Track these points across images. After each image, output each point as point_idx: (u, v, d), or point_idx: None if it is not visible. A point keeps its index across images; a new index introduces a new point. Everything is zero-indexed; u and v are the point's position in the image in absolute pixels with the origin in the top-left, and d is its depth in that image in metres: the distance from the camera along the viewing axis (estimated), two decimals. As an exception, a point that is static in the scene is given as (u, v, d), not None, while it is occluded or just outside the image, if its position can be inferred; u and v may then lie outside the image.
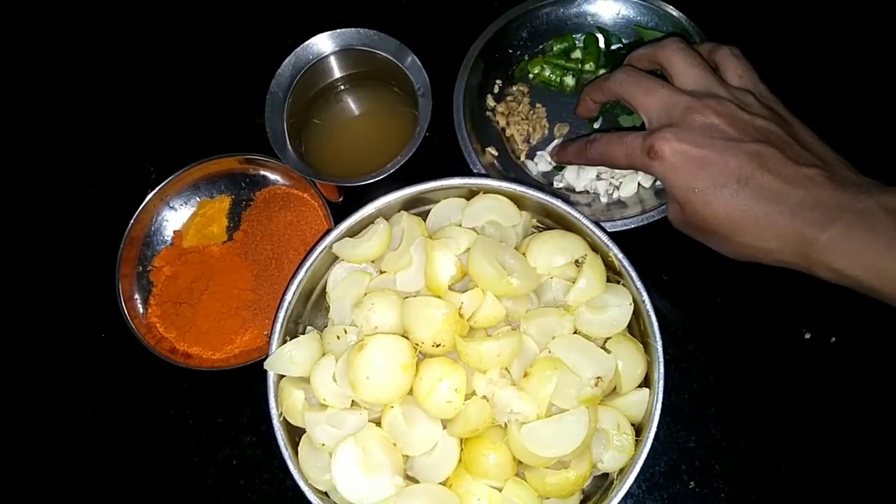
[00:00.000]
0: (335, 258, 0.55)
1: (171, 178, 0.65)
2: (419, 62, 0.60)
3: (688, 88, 0.50)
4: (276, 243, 0.64)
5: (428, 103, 0.59)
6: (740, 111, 0.48)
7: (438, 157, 0.66)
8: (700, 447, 0.58)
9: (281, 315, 0.52)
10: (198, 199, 0.67)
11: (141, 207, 0.64)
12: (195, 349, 0.62)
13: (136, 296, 0.64)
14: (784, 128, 0.48)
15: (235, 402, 0.63)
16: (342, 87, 0.67)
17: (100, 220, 0.69)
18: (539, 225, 0.57)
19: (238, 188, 0.68)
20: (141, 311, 0.63)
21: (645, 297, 0.50)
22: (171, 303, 0.63)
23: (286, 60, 0.62)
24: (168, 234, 0.67)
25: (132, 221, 0.64)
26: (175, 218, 0.67)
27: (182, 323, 0.62)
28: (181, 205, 0.67)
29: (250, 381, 0.62)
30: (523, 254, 0.52)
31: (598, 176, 0.64)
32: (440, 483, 0.49)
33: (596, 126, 0.67)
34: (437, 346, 0.49)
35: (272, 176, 0.67)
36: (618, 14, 0.68)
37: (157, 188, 0.65)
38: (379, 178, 0.58)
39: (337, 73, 0.66)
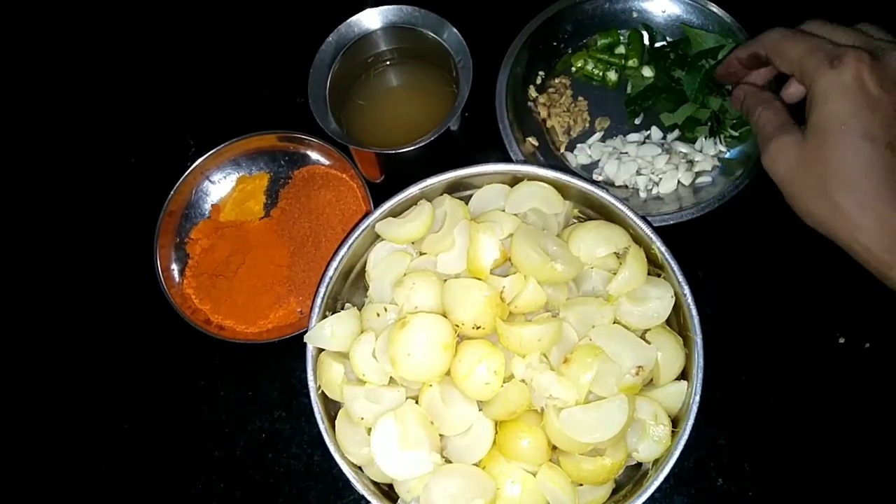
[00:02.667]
0: (376, 238, 0.56)
1: (212, 151, 0.65)
2: (459, 34, 0.61)
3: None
4: (315, 222, 0.64)
5: (468, 74, 0.59)
6: None
7: (479, 144, 0.66)
8: (729, 445, 0.58)
9: (322, 289, 0.53)
10: (237, 174, 0.68)
11: (182, 179, 0.65)
12: (229, 322, 0.63)
13: (173, 266, 0.64)
14: None
15: (266, 377, 0.63)
16: (384, 65, 0.67)
17: (138, 190, 0.70)
18: (580, 215, 0.57)
19: (277, 165, 0.68)
20: (177, 281, 0.64)
21: (686, 290, 0.50)
22: (207, 275, 0.64)
23: (329, 37, 0.62)
24: (206, 207, 0.67)
25: (172, 193, 0.64)
26: (214, 191, 0.67)
27: (217, 295, 0.63)
28: (220, 179, 0.67)
29: (282, 356, 0.62)
30: (565, 242, 0.53)
31: (638, 171, 0.65)
32: (473, 464, 0.49)
33: (637, 122, 0.67)
34: (478, 328, 0.49)
35: (312, 155, 0.67)
36: (663, 11, 0.68)
37: (197, 161, 0.65)
38: (419, 145, 0.58)
39: (379, 50, 0.66)
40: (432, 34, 0.61)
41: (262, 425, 0.62)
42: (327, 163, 0.67)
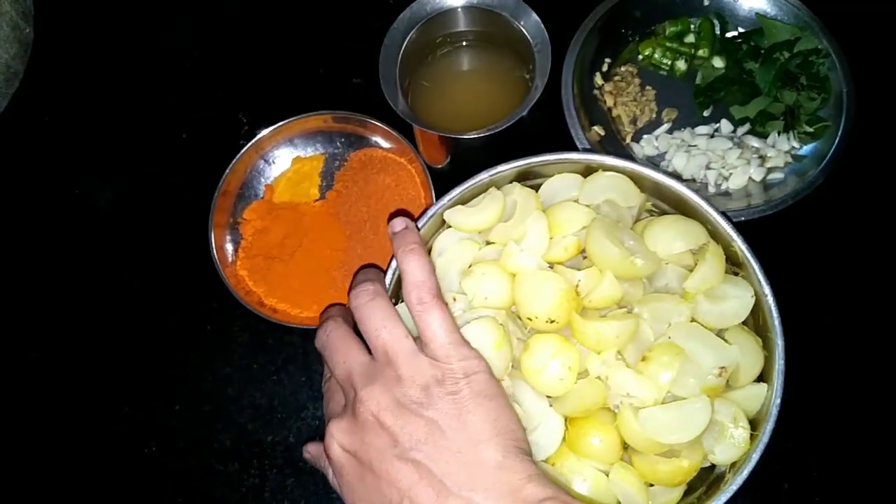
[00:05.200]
0: (441, 225, 0.54)
1: (269, 129, 0.64)
2: (539, 20, 0.59)
3: (374, 352, 0.45)
4: (373, 206, 0.63)
5: (546, 61, 0.57)
6: (408, 402, 0.41)
7: (544, 131, 0.64)
8: (797, 449, 0.56)
9: (389, 275, 0.52)
10: (292, 154, 0.66)
11: (237, 157, 0.63)
12: (283, 305, 0.61)
13: (228, 246, 0.63)
14: (451, 432, 0.41)
15: (320, 362, 0.62)
16: (453, 46, 0.65)
17: (188, 166, 0.68)
18: (653, 209, 0.55)
19: (333, 147, 0.66)
20: (230, 262, 0.63)
21: (767, 290, 0.49)
22: (262, 257, 0.62)
23: (402, 14, 0.61)
24: (260, 187, 0.66)
25: (227, 171, 0.63)
26: (268, 172, 0.66)
27: (272, 278, 0.62)
28: (275, 159, 0.66)
29: (336, 342, 0.61)
30: (640, 235, 0.51)
31: (708, 165, 0.63)
32: (542, 461, 0.48)
33: (706, 114, 0.65)
34: (552, 322, 0.48)
35: (371, 137, 0.65)
36: (736, 0, 0.66)
37: (254, 139, 0.64)
38: (493, 131, 0.57)
39: (450, 31, 0.64)
40: (510, 17, 0.59)
41: (316, 412, 0.61)
42: (386, 146, 0.65)
